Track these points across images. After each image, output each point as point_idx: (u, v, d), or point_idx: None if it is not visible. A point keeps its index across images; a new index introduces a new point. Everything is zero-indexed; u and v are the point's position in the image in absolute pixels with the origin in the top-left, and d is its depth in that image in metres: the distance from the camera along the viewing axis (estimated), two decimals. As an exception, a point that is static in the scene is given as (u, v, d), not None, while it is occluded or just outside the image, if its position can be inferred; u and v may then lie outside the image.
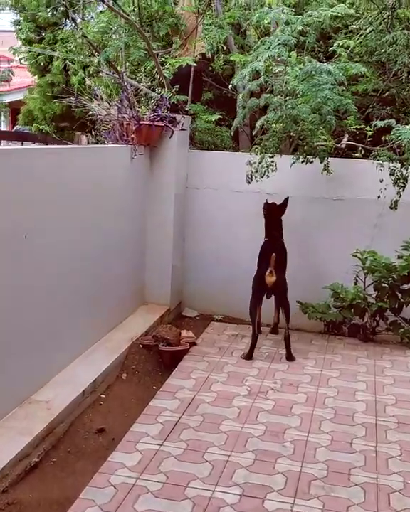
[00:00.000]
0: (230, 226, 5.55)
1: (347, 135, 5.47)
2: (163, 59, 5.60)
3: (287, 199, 4.87)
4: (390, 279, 4.97)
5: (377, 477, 3.10)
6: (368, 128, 5.09)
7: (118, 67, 5.65)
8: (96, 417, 3.69)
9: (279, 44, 4.16)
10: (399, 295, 5.02)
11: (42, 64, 13.26)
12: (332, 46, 6.38)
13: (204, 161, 5.56)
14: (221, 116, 5.95)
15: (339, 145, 5.33)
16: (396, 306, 5.01)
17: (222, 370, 4.35)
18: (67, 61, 7.38)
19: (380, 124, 4.84)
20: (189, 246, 5.69)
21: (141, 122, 4.73)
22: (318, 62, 4.40)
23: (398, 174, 4.73)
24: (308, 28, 4.85)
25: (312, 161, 4.89)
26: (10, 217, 3.22)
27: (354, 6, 5.29)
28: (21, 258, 3.34)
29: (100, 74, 6.94)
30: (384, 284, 5.01)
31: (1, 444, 3.06)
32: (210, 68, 6.21)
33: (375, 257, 4.99)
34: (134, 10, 5.55)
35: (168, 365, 4.44)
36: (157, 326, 4.99)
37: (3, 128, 19.23)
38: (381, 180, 4.85)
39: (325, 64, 4.45)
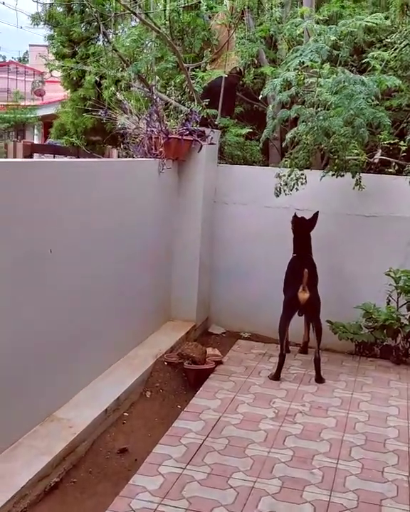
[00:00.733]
0: (259, 241, 5.44)
1: (380, 150, 5.34)
2: (193, 72, 5.55)
3: (316, 213, 4.76)
4: (426, 299, 4.81)
5: (410, 509, 2.95)
6: (402, 143, 4.96)
7: (149, 81, 5.62)
8: (119, 436, 3.60)
9: (311, 52, 4.06)
10: (434, 316, 4.85)
11: (74, 78, 13.43)
12: (365, 59, 6.33)
13: (233, 176, 5.48)
14: (251, 130, 5.87)
15: (372, 160, 5.20)
16: (431, 327, 4.84)
17: (248, 391, 4.23)
18: (99, 75, 7.41)
19: (413, 138, 4.72)
20: (217, 261, 5.59)
21: (169, 136, 4.67)
22: (351, 73, 4.29)
23: (434, 191, 4.59)
24: (341, 42, 4.77)
25: (343, 175, 4.77)
26: (36, 231, 3.17)
27: (389, 20, 5.17)
28: (46, 273, 3.29)
29: (132, 88, 6.95)
30: (418, 304, 4.86)
31: (21, 463, 2.98)
32: (241, 82, 6.14)
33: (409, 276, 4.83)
34: (165, 23, 5.52)
35: (193, 383, 4.34)
36: (183, 343, 4.90)
37: (36, 141, 19.49)
38: (416, 197, 4.74)
39: (358, 75, 4.33)
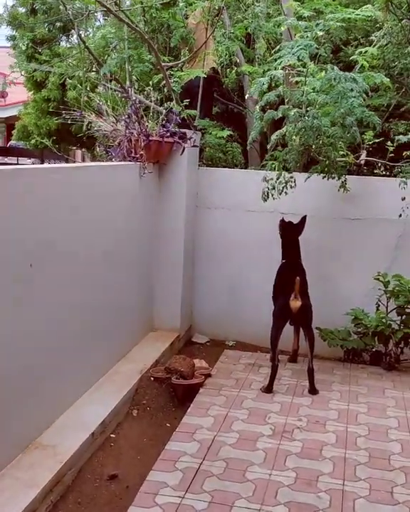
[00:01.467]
0: (243, 247, 5.26)
1: (365, 151, 5.20)
2: (170, 72, 5.33)
3: (304, 217, 4.58)
4: (416, 303, 4.67)
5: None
6: (389, 143, 4.82)
7: (123, 82, 5.37)
8: (107, 461, 3.36)
9: (300, 49, 3.88)
10: (426, 321, 4.72)
11: (38, 79, 13.08)
12: (343, 58, 6.19)
13: (215, 179, 5.27)
14: (230, 132, 5.68)
15: (358, 161, 5.06)
16: (423, 332, 4.71)
17: (242, 406, 4.02)
18: (64, 76, 7.14)
19: (403, 139, 4.58)
20: (200, 267, 5.39)
21: (150, 138, 4.43)
22: (340, 71, 4.12)
23: (424, 192, 4.46)
24: (323, 40, 4.62)
25: (334, 177, 4.60)
26: (14, 244, 2.91)
27: (370, 13, 5.03)
28: (22, 289, 3.02)
29: (100, 88, 6.68)
30: (409, 309, 4.71)
31: (6, 497, 2.72)
32: (220, 82, 5.95)
33: (401, 281, 4.69)
34: (141, 20, 5.28)
35: (181, 399, 4.11)
36: (168, 355, 4.68)
37: (-1, 143, 19.06)
38: (404, 199, 4.61)
39: (349, 73, 4.17)
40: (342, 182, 4.75)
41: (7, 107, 18.99)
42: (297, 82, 4.34)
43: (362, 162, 5.16)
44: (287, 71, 4.14)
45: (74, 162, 16.11)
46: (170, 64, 5.15)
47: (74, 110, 4.91)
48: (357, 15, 4.20)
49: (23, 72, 12.20)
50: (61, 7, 5.53)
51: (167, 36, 5.58)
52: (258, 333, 4.86)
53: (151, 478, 3.13)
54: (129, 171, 4.35)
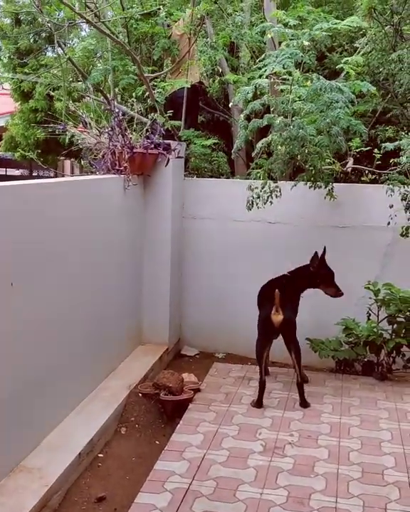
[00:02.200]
0: (231, 257, 5.20)
1: (351, 159, 5.16)
2: (153, 83, 5.29)
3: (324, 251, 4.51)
4: (407, 312, 4.61)
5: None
6: (376, 151, 4.79)
7: (107, 93, 5.32)
8: (94, 482, 3.28)
9: (286, 58, 3.84)
10: (418, 330, 4.67)
11: (25, 90, 13.02)
12: (328, 64, 6.16)
13: (201, 189, 5.21)
14: (216, 141, 5.64)
15: (345, 169, 5.02)
16: (415, 341, 4.65)
17: (232, 422, 3.94)
18: (51, 86, 7.07)
19: (390, 146, 4.54)
20: (187, 279, 5.32)
21: (134, 150, 4.37)
22: (326, 80, 4.08)
23: (411, 199, 4.42)
24: (308, 48, 4.58)
25: (320, 186, 4.56)
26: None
27: (356, 24, 5.01)
28: (5, 307, 2.95)
29: (85, 99, 6.63)
30: (400, 318, 4.66)
31: (-11, 526, 2.65)
32: (205, 91, 5.90)
33: (391, 290, 4.64)
34: (122, 32, 5.23)
35: (171, 415, 4.03)
36: (156, 369, 4.60)
37: (-14, 155, 18.90)
38: (391, 206, 4.56)
39: (334, 82, 4.13)
40: (329, 190, 4.71)
41: (-6, 118, 18.85)
42: (282, 91, 4.29)
43: (349, 169, 5.11)
44: (272, 79, 4.08)
45: (63, 173, 16.06)
46: (152, 75, 5.09)
47: (59, 122, 4.86)
48: (343, 26, 4.15)
49: (6, 84, 12.16)
50: (40, 19, 5.44)
51: (150, 47, 5.54)
52: (247, 345, 4.77)
53: (139, 501, 3.05)
54: (113, 184, 4.28)
